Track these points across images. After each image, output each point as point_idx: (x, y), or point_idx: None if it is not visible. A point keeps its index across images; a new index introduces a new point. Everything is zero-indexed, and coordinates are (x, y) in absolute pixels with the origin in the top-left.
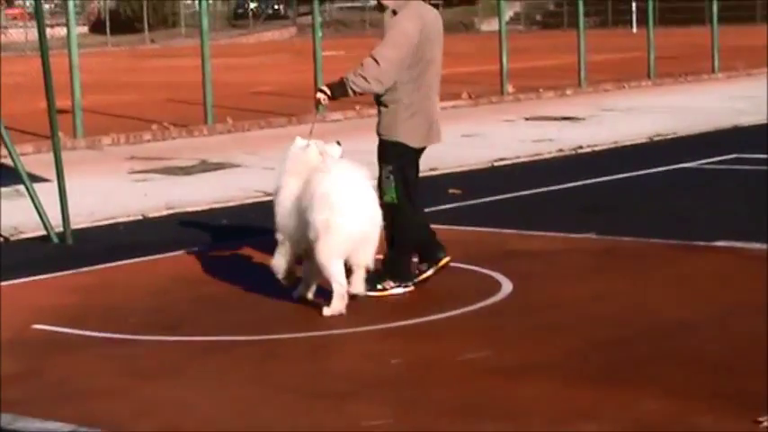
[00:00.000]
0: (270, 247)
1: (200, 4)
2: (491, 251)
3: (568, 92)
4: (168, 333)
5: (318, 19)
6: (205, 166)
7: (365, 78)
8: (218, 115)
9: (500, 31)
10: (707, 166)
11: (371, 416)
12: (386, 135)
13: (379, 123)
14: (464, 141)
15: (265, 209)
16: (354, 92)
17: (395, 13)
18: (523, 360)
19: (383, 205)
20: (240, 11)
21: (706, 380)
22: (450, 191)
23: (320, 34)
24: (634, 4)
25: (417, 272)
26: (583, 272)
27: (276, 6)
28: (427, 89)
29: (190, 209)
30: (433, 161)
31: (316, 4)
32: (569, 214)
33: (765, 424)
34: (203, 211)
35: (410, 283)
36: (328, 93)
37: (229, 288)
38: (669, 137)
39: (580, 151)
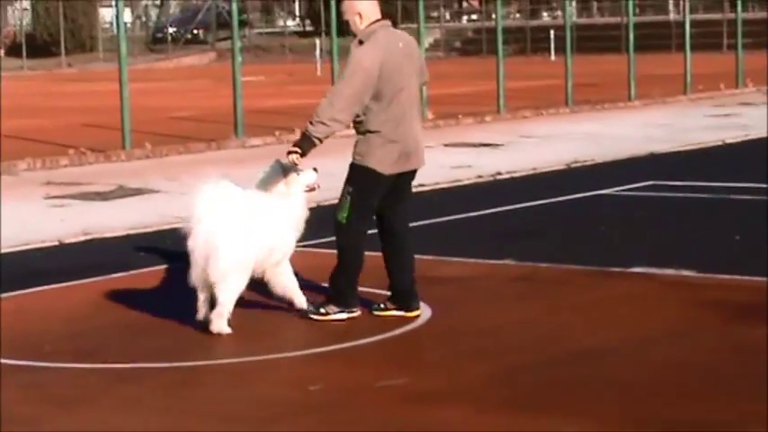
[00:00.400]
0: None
1: (118, 28)
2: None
3: (487, 118)
4: (85, 360)
5: (238, 44)
6: (123, 192)
7: (322, 122)
8: (137, 140)
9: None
10: (623, 192)
11: None
12: (357, 160)
13: (354, 149)
14: None
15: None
16: (320, 139)
17: (361, 42)
18: (442, 387)
19: (334, 221)
20: (159, 35)
21: (622, 406)
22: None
23: (240, 59)
24: (552, 32)
25: (383, 306)
26: (501, 298)
27: (195, 31)
28: (400, 117)
29: (107, 234)
30: None
31: (235, 30)
32: (488, 240)
33: None
34: (121, 237)
35: (354, 309)
36: (299, 151)
37: (147, 314)
38: (587, 164)
39: (499, 177)
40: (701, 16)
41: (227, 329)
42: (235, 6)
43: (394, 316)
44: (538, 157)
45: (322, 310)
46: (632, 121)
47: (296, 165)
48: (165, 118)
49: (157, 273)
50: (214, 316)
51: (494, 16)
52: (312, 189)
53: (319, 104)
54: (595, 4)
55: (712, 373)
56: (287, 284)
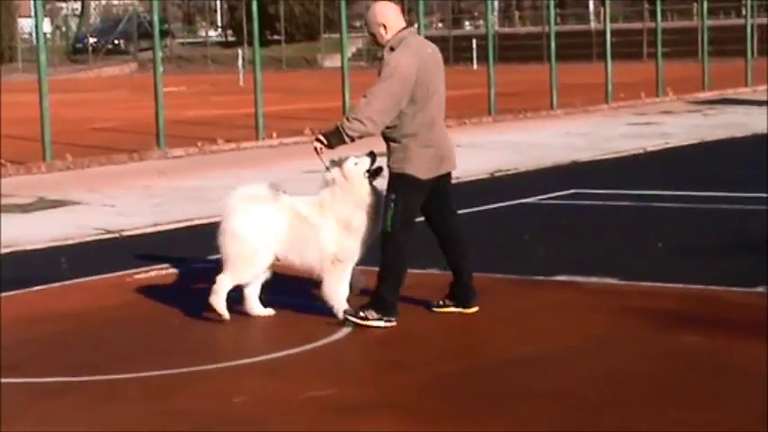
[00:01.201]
0: (109, 284)
1: (37, 38)
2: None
3: None
4: (7, 374)
5: (159, 54)
6: (43, 204)
7: (360, 120)
8: (57, 152)
9: (342, 67)
10: (546, 201)
11: None
12: (395, 168)
13: (389, 158)
14: (307, 177)
15: (105, 246)
16: (352, 138)
17: (392, 49)
18: (369, 397)
19: (381, 232)
20: (79, 45)
21: (549, 415)
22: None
23: (161, 69)
24: (474, 41)
25: (442, 303)
26: (426, 307)
27: (116, 41)
28: (432, 120)
29: (28, 247)
30: None
31: (157, 40)
32: (413, 250)
33: None
34: (41, 250)
35: (393, 318)
36: (325, 142)
37: (68, 327)
38: (510, 172)
39: None
40: (621, 26)
41: (223, 309)
42: (156, 16)
43: (453, 312)
44: (461, 165)
45: (361, 314)
46: (554, 130)
47: (318, 153)
48: (86, 129)
49: (80, 285)
50: (211, 292)
51: (416, 26)
52: (376, 173)
53: (360, 101)
54: (517, 13)
55: (638, 381)
56: (328, 289)
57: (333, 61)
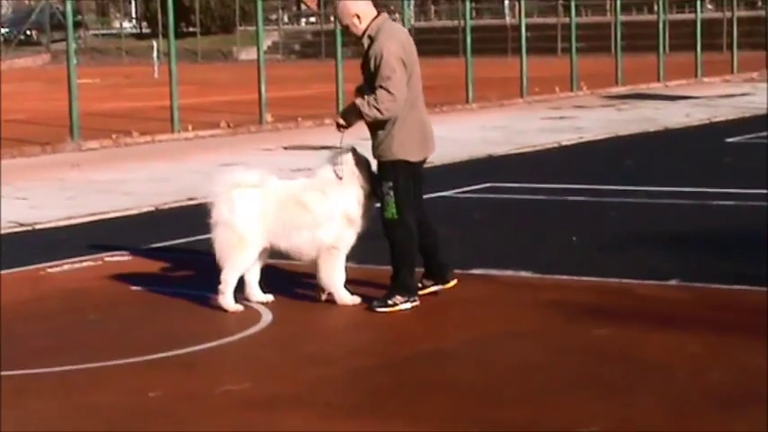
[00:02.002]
0: (22, 278)
1: None
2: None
3: (327, 121)
4: None
5: (73, 46)
6: None
7: (379, 110)
8: None
9: (258, 60)
10: (462, 195)
11: None
12: (384, 156)
13: (374, 147)
14: (223, 171)
15: (17, 239)
16: (365, 120)
17: (371, 38)
18: (284, 392)
19: (383, 221)
20: None
21: (463, 409)
22: (208, 221)
23: (75, 61)
24: None
25: (420, 285)
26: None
27: (28, 32)
28: (413, 100)
29: None
30: (192, 191)
31: (70, 31)
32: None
33: None
34: None
35: (416, 298)
36: (343, 123)
37: None
38: (426, 166)
39: None
40: (536, 20)
41: (233, 306)
42: (69, 7)
43: (434, 292)
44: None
45: (389, 302)
46: (470, 124)
47: (341, 131)
48: None
49: None
50: (218, 293)
51: (332, 19)
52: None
53: (379, 94)
54: (433, 7)
55: (553, 374)
56: (327, 277)
57: (248, 54)
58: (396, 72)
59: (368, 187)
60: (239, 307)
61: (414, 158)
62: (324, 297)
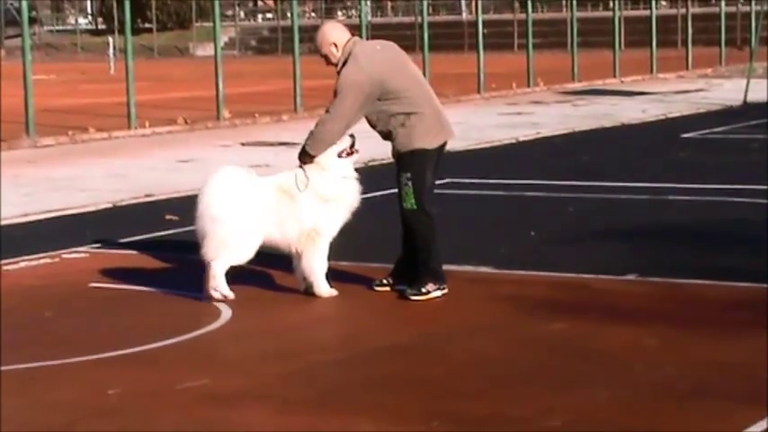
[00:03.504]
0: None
1: None
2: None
3: (284, 117)
4: None
5: (28, 42)
6: None
7: (312, 133)
8: None
9: (215, 56)
10: None
11: None
12: (403, 148)
13: (393, 147)
14: (180, 167)
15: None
16: (317, 154)
17: (342, 66)
18: (243, 387)
19: (403, 212)
20: None
21: (421, 402)
22: (167, 217)
23: (30, 57)
24: None
25: (386, 282)
26: (301, 297)
27: None
28: (420, 97)
29: None
30: (150, 187)
31: (25, 27)
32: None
33: None
34: None
35: (445, 284)
36: (305, 162)
37: None
38: (384, 161)
39: None
40: (492, 16)
41: (228, 292)
42: (24, 3)
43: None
44: None
45: (423, 290)
46: None
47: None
48: None
49: None
50: (210, 288)
51: (289, 15)
52: (350, 153)
53: (319, 119)
54: (389, 3)
55: (511, 367)
56: (309, 263)
57: (205, 50)
58: (341, 96)
59: (349, 172)
60: (231, 294)
61: (430, 145)
62: (303, 287)
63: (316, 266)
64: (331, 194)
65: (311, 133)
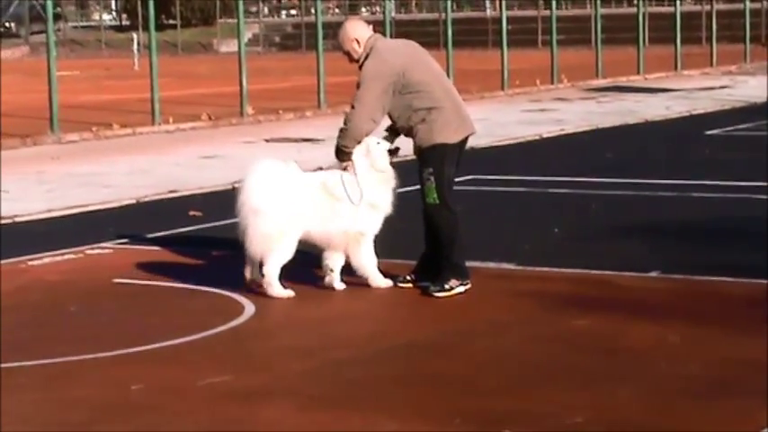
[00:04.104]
0: (2, 271)
1: None
2: (233, 273)
3: (308, 113)
4: None
5: (53, 38)
6: None
7: (342, 131)
8: None
9: (239, 52)
10: None
11: None
12: (424, 143)
13: (415, 143)
14: (204, 163)
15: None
16: (349, 148)
17: (364, 61)
18: (265, 383)
19: (426, 207)
20: None
21: (443, 399)
22: (191, 213)
23: (55, 53)
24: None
25: (409, 278)
26: (324, 293)
27: (7, 24)
28: (440, 92)
29: None
30: (173, 183)
31: (50, 23)
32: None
33: None
34: None
35: (468, 280)
36: (345, 159)
37: None
38: (408, 158)
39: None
40: (516, 13)
41: (284, 293)
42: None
43: (408, 288)
44: None
45: (446, 286)
46: None
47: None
48: None
49: None
50: (265, 286)
51: (313, 11)
52: (394, 152)
53: (345, 122)
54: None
55: (533, 364)
56: (360, 262)
57: (229, 46)
58: (363, 87)
59: (392, 172)
60: (290, 292)
61: (452, 140)
62: (327, 280)
63: (366, 263)
64: (380, 202)
65: (340, 130)
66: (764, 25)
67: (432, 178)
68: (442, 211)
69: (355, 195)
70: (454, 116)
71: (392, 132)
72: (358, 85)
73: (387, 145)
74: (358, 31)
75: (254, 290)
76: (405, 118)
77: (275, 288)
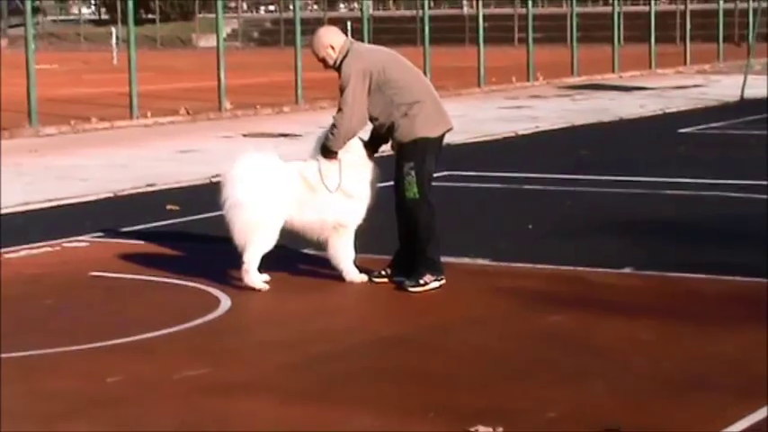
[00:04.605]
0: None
1: None
2: (210, 267)
3: (286, 109)
4: None
5: (32, 31)
6: None
7: (333, 133)
8: None
9: (218, 47)
10: None
11: None
12: (405, 138)
13: (395, 138)
14: (182, 157)
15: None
16: (339, 149)
17: (341, 66)
18: (241, 377)
19: (405, 202)
20: None
21: (419, 393)
22: (168, 207)
23: (33, 47)
24: (349, 24)
25: (384, 273)
26: (299, 287)
27: None
28: (419, 88)
29: None
30: (151, 177)
31: (28, 16)
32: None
33: None
34: None
35: (443, 276)
36: (329, 157)
37: None
38: (384, 154)
39: None
40: (493, 11)
41: (260, 284)
42: None
43: (384, 283)
44: None
45: (421, 281)
46: None
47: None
48: None
49: None
50: (242, 273)
51: (291, 7)
52: (375, 144)
53: (333, 125)
54: None
55: (507, 359)
56: (336, 253)
57: (208, 41)
58: (348, 88)
59: (371, 163)
60: (265, 285)
61: (433, 133)
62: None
63: (343, 255)
64: (356, 192)
65: (330, 133)
66: (737, 25)
67: (413, 173)
68: (421, 207)
69: (332, 183)
70: (434, 111)
71: (371, 145)
72: (341, 89)
73: (364, 136)
74: (332, 37)
75: (235, 282)
76: (386, 114)
77: (252, 276)
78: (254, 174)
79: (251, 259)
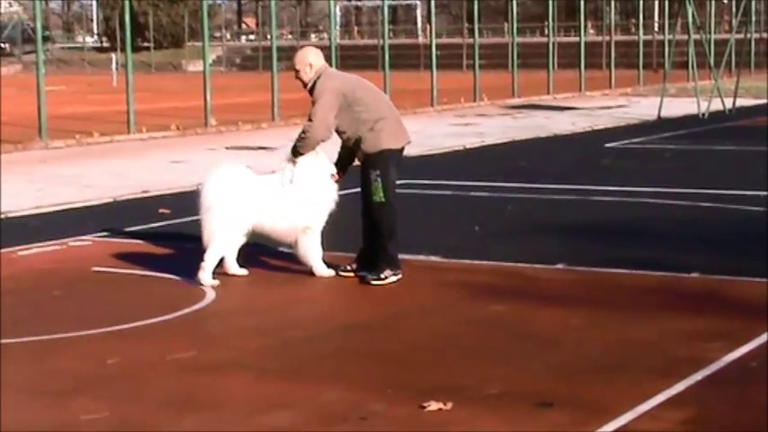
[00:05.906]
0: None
1: None
2: (197, 263)
3: (264, 125)
4: None
5: (42, 57)
6: None
7: (300, 138)
8: None
9: (204, 71)
10: None
11: (90, 410)
12: (371, 149)
13: (361, 150)
14: (173, 167)
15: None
16: (305, 152)
17: (313, 87)
18: (224, 358)
19: (371, 205)
20: None
21: (379, 373)
22: (161, 210)
23: (43, 71)
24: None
25: (350, 268)
26: (275, 281)
27: (2, 45)
28: (383, 107)
29: None
30: (146, 185)
31: (39, 44)
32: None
33: (429, 408)
34: None
35: (400, 271)
36: (294, 159)
37: None
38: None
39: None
40: (445, 40)
41: (210, 281)
42: (39, 24)
43: (358, 275)
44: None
45: (382, 276)
46: None
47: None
48: None
49: None
50: (199, 270)
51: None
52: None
53: (304, 125)
54: (356, 28)
55: (456, 343)
56: (306, 252)
57: (196, 66)
58: (320, 101)
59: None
60: (216, 282)
61: (395, 145)
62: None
63: (312, 254)
64: (320, 196)
65: (300, 138)
66: (655, 54)
67: (379, 179)
68: (386, 209)
69: (287, 179)
70: (396, 126)
71: (340, 165)
72: (313, 102)
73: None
74: (313, 58)
75: (218, 276)
76: (353, 129)
77: (206, 274)
78: (227, 182)
79: (209, 258)
